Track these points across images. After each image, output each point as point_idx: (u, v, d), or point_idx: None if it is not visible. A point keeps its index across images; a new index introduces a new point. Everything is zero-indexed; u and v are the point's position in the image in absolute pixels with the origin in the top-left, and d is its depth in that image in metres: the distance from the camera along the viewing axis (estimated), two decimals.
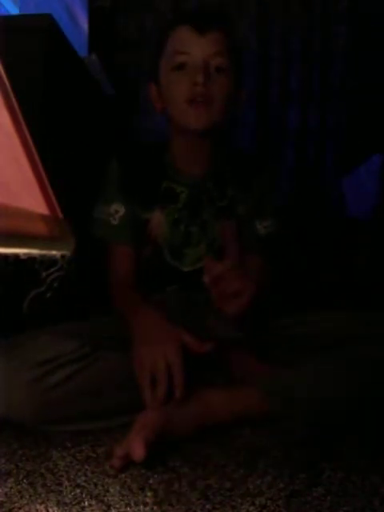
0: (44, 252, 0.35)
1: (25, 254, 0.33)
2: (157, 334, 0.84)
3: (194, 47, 0.96)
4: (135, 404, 0.79)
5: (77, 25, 1.98)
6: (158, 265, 1.04)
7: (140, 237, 1.04)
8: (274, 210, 1.11)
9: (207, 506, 0.60)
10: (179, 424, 0.77)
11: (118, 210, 1.04)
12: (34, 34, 1.15)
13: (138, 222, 1.04)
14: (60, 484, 0.64)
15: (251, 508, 0.60)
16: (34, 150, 0.35)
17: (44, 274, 0.37)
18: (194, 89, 0.94)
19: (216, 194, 1.06)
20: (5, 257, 0.33)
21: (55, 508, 0.59)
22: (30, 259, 0.34)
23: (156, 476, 0.67)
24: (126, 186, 1.04)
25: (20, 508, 0.59)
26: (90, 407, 0.81)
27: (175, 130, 1.04)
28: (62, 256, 0.36)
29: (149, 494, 0.63)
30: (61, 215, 0.38)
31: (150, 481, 0.66)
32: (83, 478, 0.66)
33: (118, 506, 0.60)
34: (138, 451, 0.67)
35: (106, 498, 0.61)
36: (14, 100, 0.34)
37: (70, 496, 0.61)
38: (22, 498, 0.61)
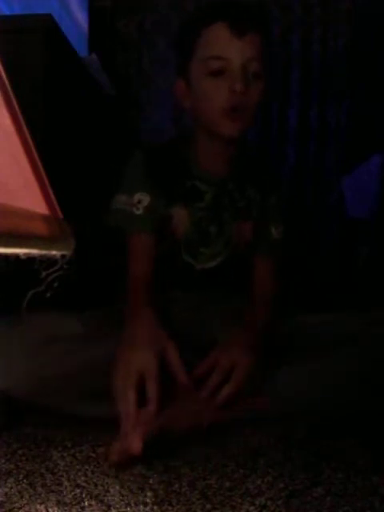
0: (44, 252, 0.35)
1: (25, 254, 0.33)
2: (142, 338, 0.81)
3: (231, 52, 0.89)
4: None
5: (77, 25, 1.97)
6: (174, 261, 1.03)
7: (159, 232, 1.01)
8: (283, 216, 1.12)
9: (207, 506, 0.60)
10: (178, 421, 0.77)
11: (141, 200, 0.99)
12: (34, 34, 1.15)
13: (159, 216, 1.01)
14: (60, 484, 0.64)
15: (251, 508, 0.60)
16: (34, 150, 0.35)
17: (44, 274, 0.37)
18: (232, 97, 0.90)
19: (237, 195, 1.05)
20: (5, 257, 0.33)
21: (55, 508, 0.59)
22: (30, 259, 0.34)
23: (156, 476, 0.67)
24: (152, 177, 1.00)
25: (20, 508, 0.58)
26: (91, 386, 0.81)
27: (202, 131, 1.00)
28: (62, 256, 0.36)
29: (149, 493, 0.63)
30: (61, 215, 0.38)
31: (150, 481, 0.66)
32: (83, 478, 0.66)
33: (118, 506, 0.60)
34: (136, 445, 0.67)
35: (105, 498, 0.61)
36: (14, 100, 0.34)
37: (69, 496, 0.61)
38: (21, 497, 0.61)
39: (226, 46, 0.90)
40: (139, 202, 0.99)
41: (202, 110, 0.96)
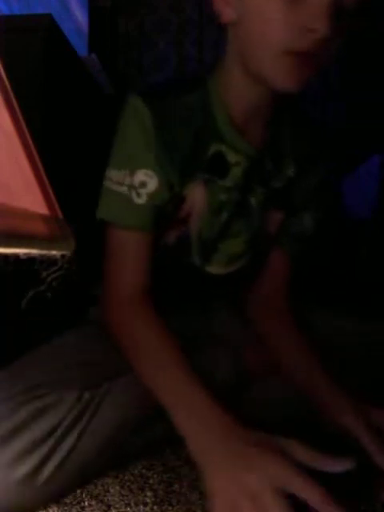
0: (44, 252, 0.35)
1: (25, 254, 0.33)
2: (239, 455, 0.52)
3: None
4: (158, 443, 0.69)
5: (77, 25, 1.97)
6: (181, 260, 0.77)
7: (164, 219, 0.72)
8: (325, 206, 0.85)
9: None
10: None
11: (145, 182, 0.68)
12: (34, 34, 1.15)
13: (169, 199, 0.71)
14: None
15: None
16: (34, 149, 0.35)
17: (44, 274, 0.37)
18: (308, 37, 0.57)
19: (273, 173, 0.76)
20: (5, 257, 0.33)
21: (55, 508, 0.58)
22: (30, 259, 0.34)
23: (156, 476, 0.67)
24: (165, 139, 0.68)
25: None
26: (104, 465, 0.64)
27: (243, 73, 0.67)
28: (62, 256, 0.36)
29: (149, 493, 0.63)
30: (61, 215, 0.38)
31: (150, 481, 0.66)
32: None
33: (117, 506, 0.60)
34: None
35: (105, 498, 0.61)
36: (14, 100, 0.34)
37: (69, 496, 0.61)
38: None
39: None
40: (142, 185, 0.68)
41: (254, 41, 0.62)
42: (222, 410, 0.56)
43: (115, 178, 0.70)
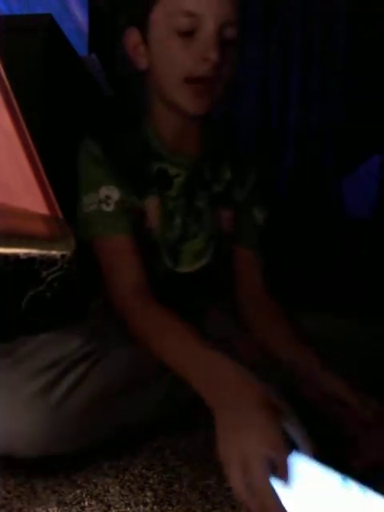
0: (44, 252, 0.35)
1: (25, 254, 0.33)
2: (248, 408, 0.57)
3: (206, 9, 0.73)
4: (156, 407, 0.74)
5: (77, 25, 1.97)
6: (154, 266, 0.85)
7: (135, 230, 0.84)
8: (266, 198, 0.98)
9: (207, 506, 0.60)
10: None
11: (109, 195, 0.81)
12: (34, 34, 1.15)
13: (133, 213, 0.84)
14: (60, 484, 0.64)
15: None
16: (34, 149, 0.35)
17: (44, 274, 0.37)
18: (201, 66, 0.75)
19: (212, 178, 0.90)
20: (5, 257, 0.33)
21: (55, 508, 0.59)
22: (30, 259, 0.34)
23: (156, 476, 0.67)
24: (114, 164, 0.83)
25: (20, 509, 0.58)
26: (106, 417, 0.69)
27: (160, 102, 0.84)
28: (62, 256, 0.36)
29: (149, 494, 0.63)
30: (61, 215, 0.38)
31: (150, 481, 0.66)
32: (83, 479, 0.66)
33: (117, 506, 0.60)
34: None
35: (105, 498, 0.61)
36: (14, 100, 0.34)
37: (69, 496, 0.61)
38: (22, 498, 0.61)
39: (201, 1, 0.74)
40: (107, 197, 0.81)
41: (162, 75, 0.79)
42: (234, 364, 0.62)
43: (86, 202, 0.83)
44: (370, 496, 0.53)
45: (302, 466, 0.54)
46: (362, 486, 0.54)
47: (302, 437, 0.57)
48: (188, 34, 0.74)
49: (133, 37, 0.82)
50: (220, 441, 0.56)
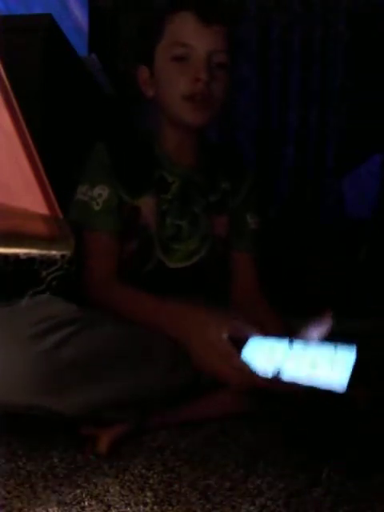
0: (44, 252, 0.35)
1: (25, 254, 0.33)
2: (205, 320, 0.77)
3: (197, 40, 0.90)
4: (135, 380, 0.76)
5: (77, 25, 1.97)
6: (146, 259, 0.97)
7: (126, 227, 0.96)
8: (258, 206, 1.09)
9: (207, 506, 0.60)
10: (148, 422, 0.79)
11: (101, 194, 0.94)
12: (33, 34, 1.15)
13: (125, 210, 0.96)
14: (60, 484, 0.64)
15: (251, 508, 0.60)
16: (34, 149, 0.35)
17: (44, 274, 0.37)
18: (194, 85, 0.90)
19: (208, 188, 1.03)
20: (5, 257, 0.33)
21: (55, 508, 0.59)
22: (30, 259, 0.34)
23: (156, 476, 0.67)
24: (116, 169, 0.96)
25: (20, 509, 0.58)
26: (95, 374, 0.74)
27: (167, 120, 0.99)
28: (62, 256, 0.36)
29: (149, 494, 0.63)
30: (61, 215, 0.38)
31: (150, 481, 0.66)
32: (83, 479, 0.66)
33: (117, 506, 0.60)
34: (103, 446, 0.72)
35: (105, 498, 0.61)
36: (14, 100, 0.34)
37: (70, 496, 0.61)
38: (22, 498, 0.61)
39: (192, 34, 0.90)
40: (99, 196, 0.94)
41: (165, 96, 0.95)
42: (191, 306, 0.81)
43: (80, 190, 0.96)
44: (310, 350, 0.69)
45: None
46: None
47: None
48: (183, 60, 0.91)
49: (143, 74, 0.99)
50: (193, 357, 0.76)
